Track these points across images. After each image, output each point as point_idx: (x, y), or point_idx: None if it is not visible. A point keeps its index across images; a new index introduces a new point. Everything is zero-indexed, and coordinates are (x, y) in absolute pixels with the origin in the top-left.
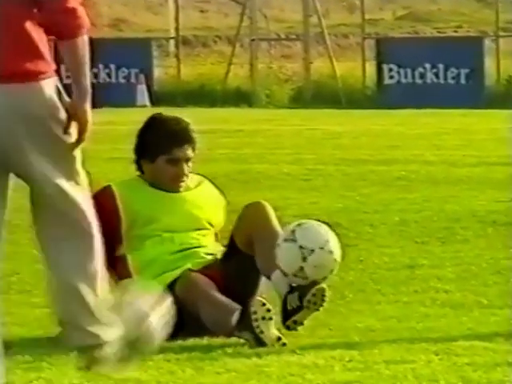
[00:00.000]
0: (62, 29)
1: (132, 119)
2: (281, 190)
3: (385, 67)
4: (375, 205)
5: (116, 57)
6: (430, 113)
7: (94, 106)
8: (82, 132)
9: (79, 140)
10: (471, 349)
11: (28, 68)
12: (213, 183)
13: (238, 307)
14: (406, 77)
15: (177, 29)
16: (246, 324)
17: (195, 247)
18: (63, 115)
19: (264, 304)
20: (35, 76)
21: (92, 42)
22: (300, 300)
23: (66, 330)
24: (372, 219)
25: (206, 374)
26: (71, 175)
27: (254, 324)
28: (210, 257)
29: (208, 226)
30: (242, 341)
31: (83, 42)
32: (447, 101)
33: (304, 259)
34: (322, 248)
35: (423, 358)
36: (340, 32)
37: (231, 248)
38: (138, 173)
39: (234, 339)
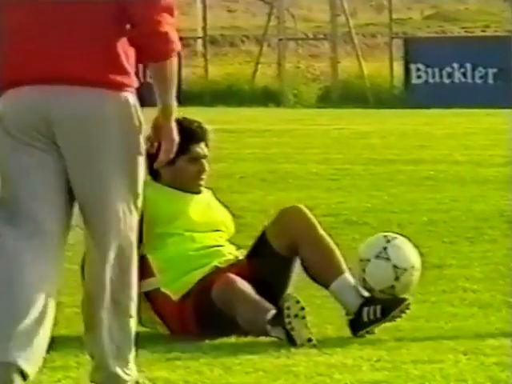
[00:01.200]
0: (152, 52)
1: None
2: (309, 189)
3: (412, 67)
4: (403, 204)
5: None
6: (457, 112)
7: None
8: (168, 150)
9: (165, 157)
10: (499, 349)
11: (110, 78)
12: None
13: (272, 307)
14: (433, 76)
15: (204, 28)
16: (278, 321)
17: (217, 246)
18: (139, 130)
19: (298, 301)
20: (118, 86)
21: None
22: (383, 313)
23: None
24: (400, 219)
25: (234, 373)
26: (128, 197)
27: (286, 320)
28: (232, 256)
29: (224, 229)
30: (270, 340)
31: (172, 64)
32: (475, 100)
33: (397, 278)
34: (413, 267)
35: (451, 357)
36: (368, 31)
37: (263, 248)
38: (149, 178)
39: (262, 339)
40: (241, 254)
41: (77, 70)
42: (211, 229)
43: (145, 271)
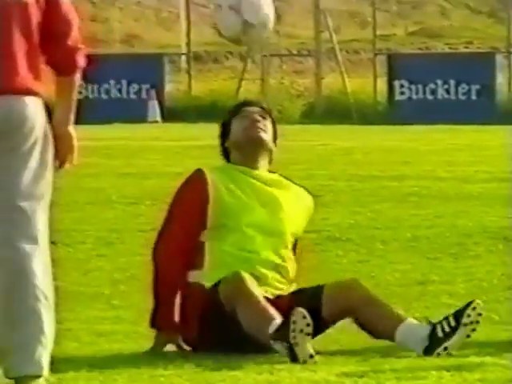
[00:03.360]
0: (69, 65)
1: (143, 135)
2: None
3: (396, 83)
4: (387, 221)
5: (127, 72)
6: (441, 129)
7: (108, 121)
8: (68, 153)
9: (68, 161)
10: (482, 365)
11: (33, 85)
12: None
13: (278, 316)
14: (417, 93)
15: (188, 44)
16: (282, 334)
17: (275, 264)
18: (49, 136)
19: (305, 317)
20: (38, 93)
21: (104, 57)
22: (456, 320)
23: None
24: (383, 235)
25: None
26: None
27: (291, 334)
28: (282, 285)
29: (291, 239)
30: (253, 356)
31: (78, 77)
32: (458, 117)
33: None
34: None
35: (435, 374)
36: (351, 48)
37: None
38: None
39: (245, 356)
40: (291, 287)
41: (5, 79)
42: (274, 234)
43: (198, 260)
